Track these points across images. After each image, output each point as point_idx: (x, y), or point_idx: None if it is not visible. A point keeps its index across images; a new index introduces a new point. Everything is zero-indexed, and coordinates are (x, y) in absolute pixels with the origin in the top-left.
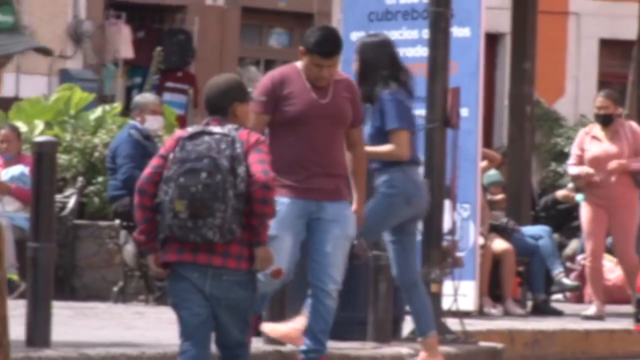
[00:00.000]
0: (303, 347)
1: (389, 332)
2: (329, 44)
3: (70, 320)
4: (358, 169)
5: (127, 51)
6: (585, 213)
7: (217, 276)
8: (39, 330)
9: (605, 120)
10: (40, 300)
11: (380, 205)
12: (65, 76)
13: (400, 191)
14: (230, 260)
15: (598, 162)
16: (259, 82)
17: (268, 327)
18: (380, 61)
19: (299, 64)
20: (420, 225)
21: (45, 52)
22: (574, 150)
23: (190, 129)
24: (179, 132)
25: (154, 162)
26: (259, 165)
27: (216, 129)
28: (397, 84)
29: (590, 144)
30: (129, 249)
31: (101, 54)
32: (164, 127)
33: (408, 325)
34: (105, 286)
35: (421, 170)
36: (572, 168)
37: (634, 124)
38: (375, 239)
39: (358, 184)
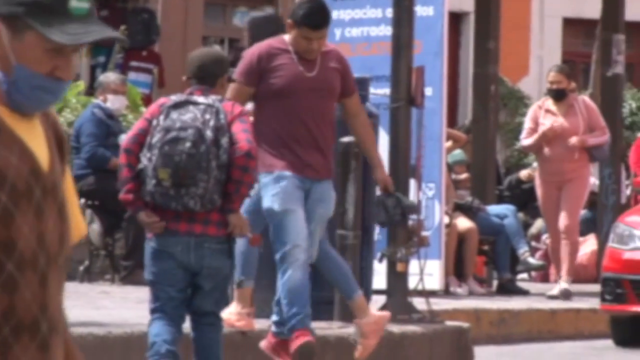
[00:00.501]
0: (273, 318)
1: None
2: (317, 16)
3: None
4: (366, 137)
5: None
6: (539, 192)
7: (199, 245)
8: None
9: (559, 95)
10: None
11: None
12: None
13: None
14: (211, 228)
15: (552, 136)
16: (244, 54)
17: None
18: (266, 37)
19: (287, 37)
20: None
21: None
22: (527, 124)
23: (174, 97)
24: (162, 99)
25: (139, 124)
26: (243, 134)
27: (200, 99)
28: None
29: (545, 117)
30: (95, 227)
31: None
32: (129, 106)
33: (375, 305)
34: (71, 265)
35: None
36: (525, 140)
37: (587, 99)
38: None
39: (371, 151)
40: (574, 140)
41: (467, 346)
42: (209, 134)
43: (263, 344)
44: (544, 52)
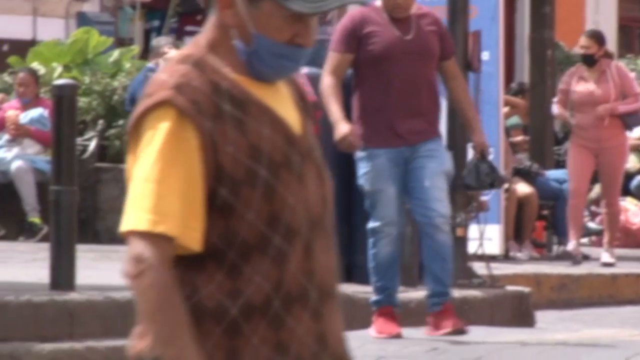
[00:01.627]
0: (426, 292)
1: (416, 276)
2: None
3: (95, 264)
4: (464, 100)
5: None
6: (571, 154)
7: None
8: (63, 273)
9: (588, 60)
10: (63, 243)
11: None
12: (83, 19)
13: None
14: None
15: (584, 103)
16: (338, 23)
17: None
18: None
19: (378, 2)
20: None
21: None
22: (560, 86)
23: None
24: None
25: None
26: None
27: None
28: None
29: (577, 84)
30: None
31: None
32: None
33: None
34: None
35: None
36: (555, 107)
37: (621, 65)
38: None
39: (470, 114)
40: (601, 109)
41: (528, 311)
42: None
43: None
44: (600, 17)
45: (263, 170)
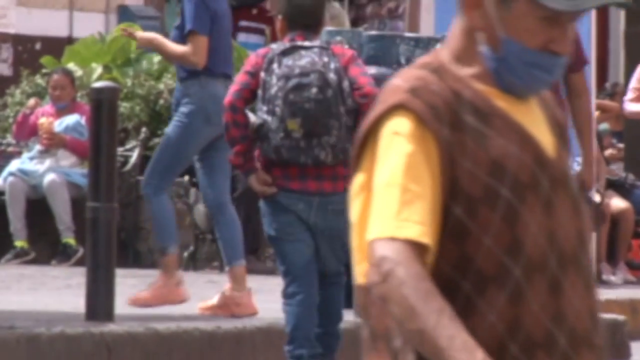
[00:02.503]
0: None
1: None
2: None
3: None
4: (583, 125)
5: None
6: None
7: (324, 205)
8: (100, 301)
9: None
10: (101, 267)
11: (177, 130)
12: (125, 14)
13: (197, 108)
14: (339, 183)
15: None
16: None
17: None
18: None
19: None
20: None
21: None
22: (632, 83)
23: (275, 46)
24: (261, 50)
25: (240, 79)
26: (364, 77)
27: (308, 43)
28: None
29: None
30: (201, 208)
31: None
32: (235, 70)
33: None
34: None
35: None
36: (629, 104)
37: None
38: (182, 167)
39: (584, 141)
40: None
41: (623, 341)
42: (332, 76)
43: None
44: None
45: (505, 190)
